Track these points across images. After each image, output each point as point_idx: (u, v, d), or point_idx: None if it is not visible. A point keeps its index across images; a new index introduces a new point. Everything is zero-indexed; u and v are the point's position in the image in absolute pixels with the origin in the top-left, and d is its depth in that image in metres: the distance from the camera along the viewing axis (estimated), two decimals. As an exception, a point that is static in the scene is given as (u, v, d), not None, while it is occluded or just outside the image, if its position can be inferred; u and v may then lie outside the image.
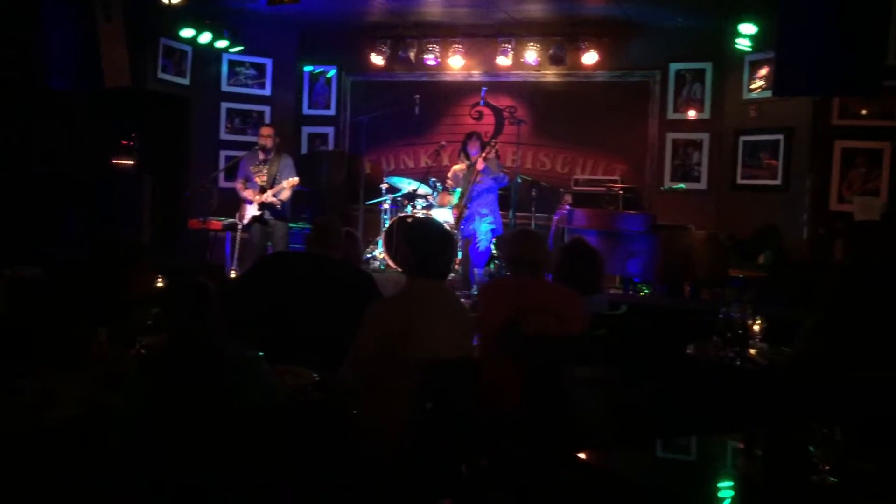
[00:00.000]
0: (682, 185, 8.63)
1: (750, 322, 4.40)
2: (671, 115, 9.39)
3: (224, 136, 10.18)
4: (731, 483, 2.40)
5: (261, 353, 3.17)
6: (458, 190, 8.91)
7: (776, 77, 5.21)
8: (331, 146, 10.61)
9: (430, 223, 3.48)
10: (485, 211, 8.46)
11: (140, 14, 8.55)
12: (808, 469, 2.30)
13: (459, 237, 8.48)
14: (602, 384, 3.13)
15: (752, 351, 4.24)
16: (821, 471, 2.32)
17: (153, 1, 7.72)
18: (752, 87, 8.63)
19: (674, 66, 9.35)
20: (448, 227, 8.71)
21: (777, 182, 8.40)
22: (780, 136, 8.31)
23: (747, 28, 7.82)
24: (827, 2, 5.17)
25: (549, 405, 3.13)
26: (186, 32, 9.14)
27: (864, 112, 7.48)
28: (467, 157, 8.63)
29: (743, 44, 8.09)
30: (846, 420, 2.41)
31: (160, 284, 3.85)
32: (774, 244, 8.03)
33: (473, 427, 3.19)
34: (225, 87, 10.19)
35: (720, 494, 2.37)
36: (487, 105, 10.02)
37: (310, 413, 2.83)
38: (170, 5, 7.28)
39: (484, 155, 8.16)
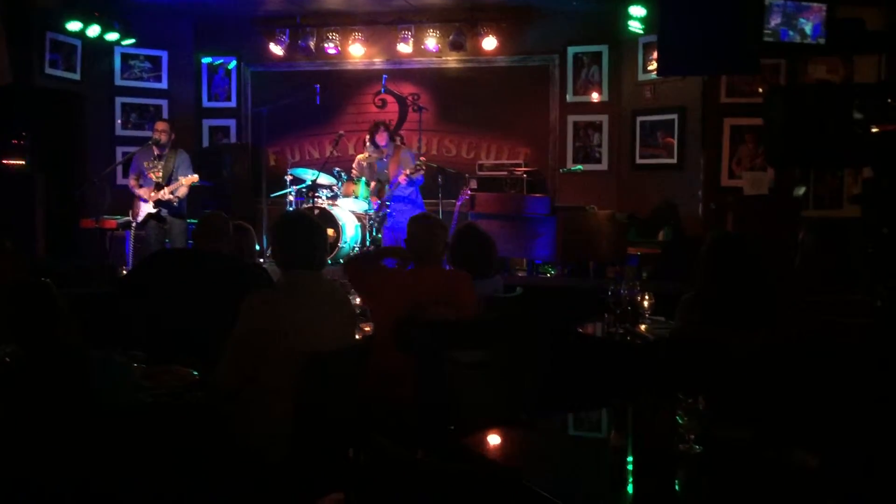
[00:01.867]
0: (579, 167, 8.77)
1: (639, 298, 4.53)
2: (571, 98, 9.52)
3: (120, 132, 9.88)
4: (603, 455, 2.46)
5: (139, 353, 3.10)
6: (364, 179, 8.87)
7: (659, 58, 5.32)
8: (233, 139, 10.40)
9: (297, 215, 3.43)
10: (406, 205, 8.36)
11: (21, 8, 8.21)
12: (675, 438, 2.38)
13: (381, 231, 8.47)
14: (488, 366, 3.16)
15: (643, 326, 4.36)
16: (687, 440, 2.39)
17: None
18: (649, 68, 8.81)
19: (571, 50, 9.48)
20: (355, 217, 8.70)
21: (673, 160, 8.62)
22: (675, 116, 8.53)
23: (637, 10, 7.99)
24: (705, -18, 5.30)
25: (436, 391, 3.14)
26: (73, 25, 8.80)
27: (750, 90, 7.73)
28: (376, 147, 8.60)
29: (635, 26, 8.26)
30: (713, 390, 2.49)
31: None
32: (673, 220, 8.27)
33: (362, 416, 3.18)
34: (119, 82, 9.88)
35: (592, 467, 2.42)
36: (390, 93, 9.98)
37: (187, 412, 2.77)
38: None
39: (408, 173, 8.10)
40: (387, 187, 8.47)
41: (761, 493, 2.16)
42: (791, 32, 1.33)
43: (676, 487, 2.30)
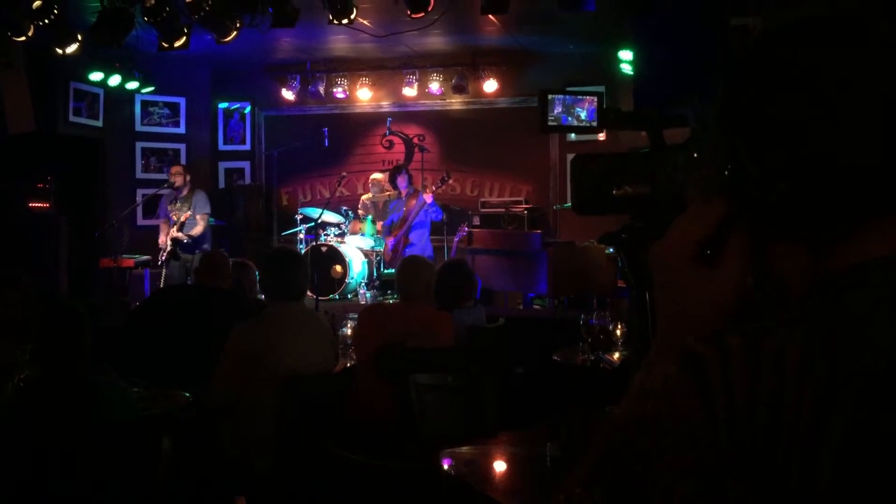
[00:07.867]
0: (569, 205, 9.10)
1: (611, 327, 4.84)
2: (570, 137, 9.86)
3: (140, 175, 10.37)
4: (540, 463, 2.76)
5: (139, 380, 3.45)
6: (370, 217, 9.26)
7: (635, 101, 5.70)
8: (248, 180, 10.87)
9: (282, 251, 3.81)
10: (415, 241, 8.73)
11: (46, 59, 8.74)
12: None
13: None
14: (448, 388, 3.48)
15: (616, 354, 4.65)
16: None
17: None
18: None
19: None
20: (362, 253, 9.05)
21: (668, 196, 8.91)
22: (668, 153, 8.84)
23: (626, 54, 8.35)
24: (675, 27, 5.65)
25: (410, 411, 3.45)
26: (95, 76, 9.33)
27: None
28: (395, 188, 9.00)
29: (626, 68, 8.61)
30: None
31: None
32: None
33: (341, 435, 3.50)
34: (139, 127, 10.39)
35: (529, 471, 2.74)
36: (396, 134, 10.40)
37: (178, 426, 3.10)
38: (64, 55, 7.41)
39: (435, 191, 8.52)
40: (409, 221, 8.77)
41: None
42: (569, 118, 1.60)
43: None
